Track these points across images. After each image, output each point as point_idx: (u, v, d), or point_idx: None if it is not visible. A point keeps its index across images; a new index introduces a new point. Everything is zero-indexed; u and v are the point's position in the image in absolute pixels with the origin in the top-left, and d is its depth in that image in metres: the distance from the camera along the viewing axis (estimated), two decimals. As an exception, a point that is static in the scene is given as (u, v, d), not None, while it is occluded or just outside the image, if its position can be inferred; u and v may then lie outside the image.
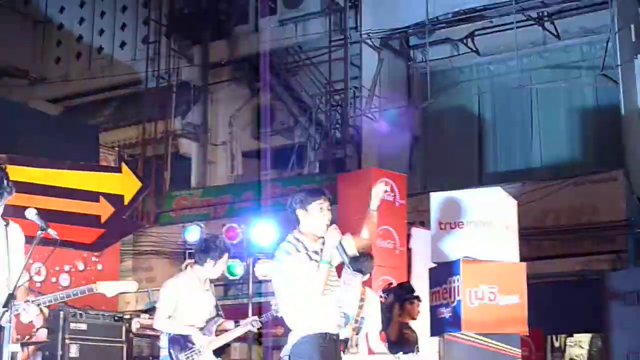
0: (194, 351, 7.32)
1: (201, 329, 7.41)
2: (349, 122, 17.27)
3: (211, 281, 7.65)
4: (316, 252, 5.91)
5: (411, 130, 16.94)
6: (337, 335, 5.94)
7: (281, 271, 5.91)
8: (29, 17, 22.57)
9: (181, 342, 7.33)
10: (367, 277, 7.64)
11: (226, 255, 7.56)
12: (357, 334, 7.49)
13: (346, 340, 7.41)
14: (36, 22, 22.48)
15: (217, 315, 7.60)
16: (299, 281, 5.79)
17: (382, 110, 16.52)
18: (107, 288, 5.99)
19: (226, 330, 7.60)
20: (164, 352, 7.42)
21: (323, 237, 5.94)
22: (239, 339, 13.89)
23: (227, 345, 14.33)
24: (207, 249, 7.52)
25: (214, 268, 7.48)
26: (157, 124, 19.10)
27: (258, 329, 7.91)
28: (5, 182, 5.59)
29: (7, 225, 5.74)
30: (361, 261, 7.39)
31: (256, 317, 7.77)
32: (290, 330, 5.94)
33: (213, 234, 8.80)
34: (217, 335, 7.49)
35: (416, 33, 16.60)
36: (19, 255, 5.79)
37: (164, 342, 7.46)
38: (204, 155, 19.30)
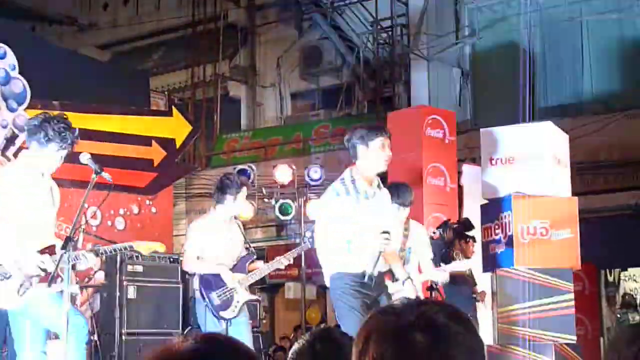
0: (226, 290, 7.38)
1: (232, 268, 7.48)
2: (397, 61, 17.17)
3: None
4: (366, 197, 5.99)
5: (460, 67, 16.80)
6: (373, 273, 6.03)
7: (326, 209, 6.06)
8: (75, -37, 22.64)
9: (212, 282, 7.37)
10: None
11: (244, 188, 7.55)
12: (405, 263, 7.51)
13: (392, 272, 7.45)
14: (83, -31, 22.55)
15: (249, 253, 7.67)
16: (339, 223, 5.91)
17: (430, 46, 16.39)
18: (143, 247, 6.22)
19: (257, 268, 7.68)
20: (197, 294, 7.51)
21: (377, 178, 6.04)
22: (292, 279, 14.09)
23: (282, 284, 14.55)
24: (223, 187, 7.51)
25: (234, 204, 7.47)
26: (206, 68, 19.15)
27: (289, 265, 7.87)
28: (73, 130, 5.81)
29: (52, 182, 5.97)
30: (408, 194, 7.46)
31: (286, 255, 7.77)
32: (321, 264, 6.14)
33: (227, 172, 8.80)
34: (249, 273, 7.58)
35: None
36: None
37: (196, 284, 7.55)
38: (252, 98, 19.35)
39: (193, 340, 1.51)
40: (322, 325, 6.72)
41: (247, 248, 7.68)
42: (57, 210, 5.99)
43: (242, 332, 7.28)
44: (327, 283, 6.16)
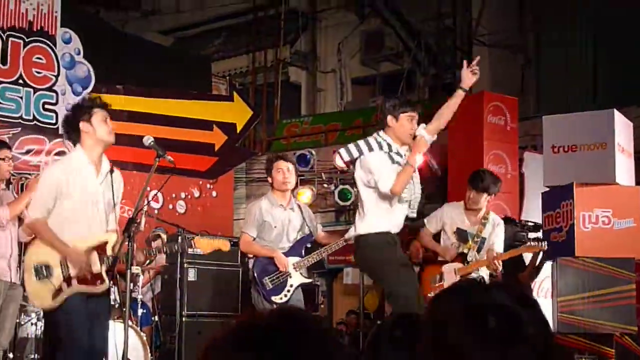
0: (279, 274, 7.36)
1: (288, 251, 7.47)
2: (459, 46, 17.04)
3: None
4: (399, 154, 6.18)
5: (523, 53, 16.61)
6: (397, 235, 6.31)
7: (361, 164, 6.23)
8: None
9: (266, 265, 7.38)
10: (491, 196, 7.68)
11: (278, 162, 7.55)
12: (477, 252, 7.53)
13: (465, 255, 7.51)
14: (147, -46, 22.73)
15: (306, 235, 7.63)
16: (379, 178, 6.10)
17: (493, 33, 16.23)
18: (204, 244, 6.24)
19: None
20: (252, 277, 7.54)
21: (408, 145, 6.20)
22: (351, 264, 14.10)
23: (340, 270, 14.53)
24: (266, 171, 7.66)
25: (273, 182, 7.52)
26: (267, 53, 19.20)
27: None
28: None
29: (112, 172, 5.87)
30: (478, 180, 7.55)
31: (345, 237, 7.76)
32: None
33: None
34: (305, 255, 7.55)
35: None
36: (119, 202, 6.00)
37: (252, 265, 7.55)
38: (313, 83, 19.37)
39: (270, 314, 1.53)
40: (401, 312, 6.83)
41: (309, 230, 7.64)
42: (113, 205, 5.87)
43: None
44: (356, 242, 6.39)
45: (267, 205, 7.52)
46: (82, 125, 5.73)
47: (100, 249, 5.72)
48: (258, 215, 7.46)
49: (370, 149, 6.20)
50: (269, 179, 7.57)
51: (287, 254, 7.42)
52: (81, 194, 5.70)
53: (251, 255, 7.65)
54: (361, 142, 6.30)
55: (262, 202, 7.61)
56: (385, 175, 6.06)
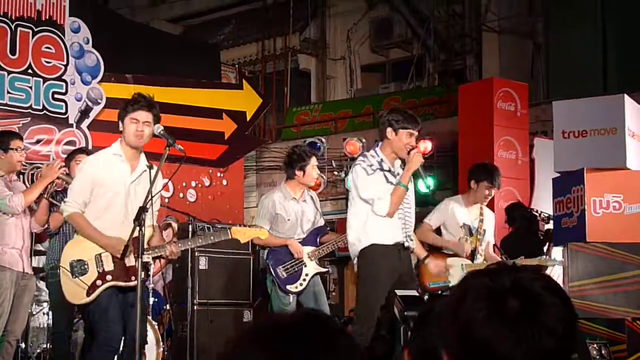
0: (294, 263, 7.37)
1: (302, 240, 7.48)
2: (468, 32, 16.99)
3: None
4: (392, 173, 6.35)
5: (532, 39, 16.54)
6: (403, 244, 6.42)
7: (357, 186, 6.37)
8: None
9: (280, 255, 7.40)
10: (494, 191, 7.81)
11: (312, 158, 7.53)
12: (480, 244, 7.62)
13: (473, 251, 7.55)
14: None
15: (321, 226, 7.64)
16: (374, 199, 6.28)
17: (501, 18, 16.17)
18: (240, 233, 6.28)
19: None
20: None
21: (402, 160, 6.38)
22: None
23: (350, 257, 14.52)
24: (290, 162, 7.56)
25: (305, 177, 7.49)
26: (276, 41, 19.18)
27: None
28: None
29: (150, 167, 5.89)
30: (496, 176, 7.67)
31: None
32: (349, 239, 6.51)
33: (295, 145, 8.76)
34: (320, 245, 7.56)
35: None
36: (158, 198, 6.02)
37: (266, 256, 7.58)
38: (322, 71, 19.33)
39: (293, 314, 1.52)
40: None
41: (322, 221, 7.66)
42: (147, 203, 5.72)
43: (310, 305, 7.31)
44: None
45: (280, 198, 7.51)
46: (120, 123, 5.84)
47: (134, 243, 5.74)
48: (271, 208, 7.46)
49: (365, 171, 6.35)
50: (298, 173, 7.48)
51: (302, 244, 7.43)
52: (114, 189, 5.78)
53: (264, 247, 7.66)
54: (357, 166, 6.44)
55: (274, 195, 7.58)
56: (378, 200, 6.30)
